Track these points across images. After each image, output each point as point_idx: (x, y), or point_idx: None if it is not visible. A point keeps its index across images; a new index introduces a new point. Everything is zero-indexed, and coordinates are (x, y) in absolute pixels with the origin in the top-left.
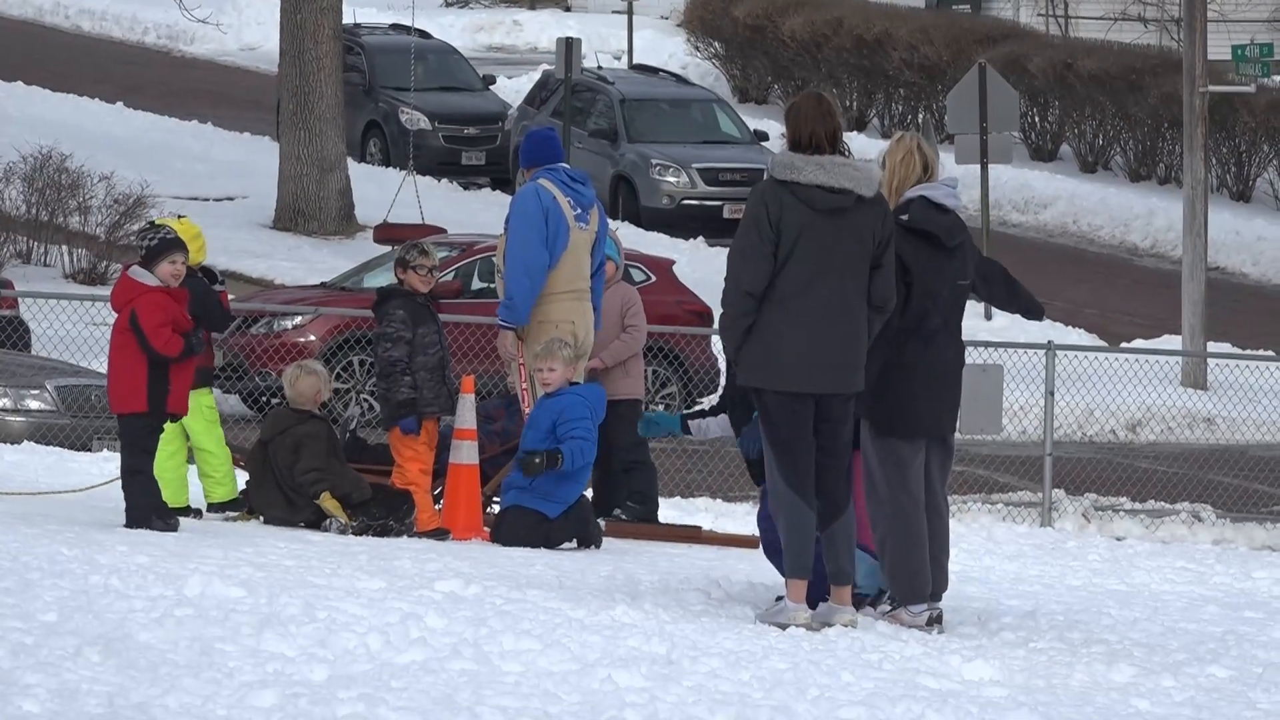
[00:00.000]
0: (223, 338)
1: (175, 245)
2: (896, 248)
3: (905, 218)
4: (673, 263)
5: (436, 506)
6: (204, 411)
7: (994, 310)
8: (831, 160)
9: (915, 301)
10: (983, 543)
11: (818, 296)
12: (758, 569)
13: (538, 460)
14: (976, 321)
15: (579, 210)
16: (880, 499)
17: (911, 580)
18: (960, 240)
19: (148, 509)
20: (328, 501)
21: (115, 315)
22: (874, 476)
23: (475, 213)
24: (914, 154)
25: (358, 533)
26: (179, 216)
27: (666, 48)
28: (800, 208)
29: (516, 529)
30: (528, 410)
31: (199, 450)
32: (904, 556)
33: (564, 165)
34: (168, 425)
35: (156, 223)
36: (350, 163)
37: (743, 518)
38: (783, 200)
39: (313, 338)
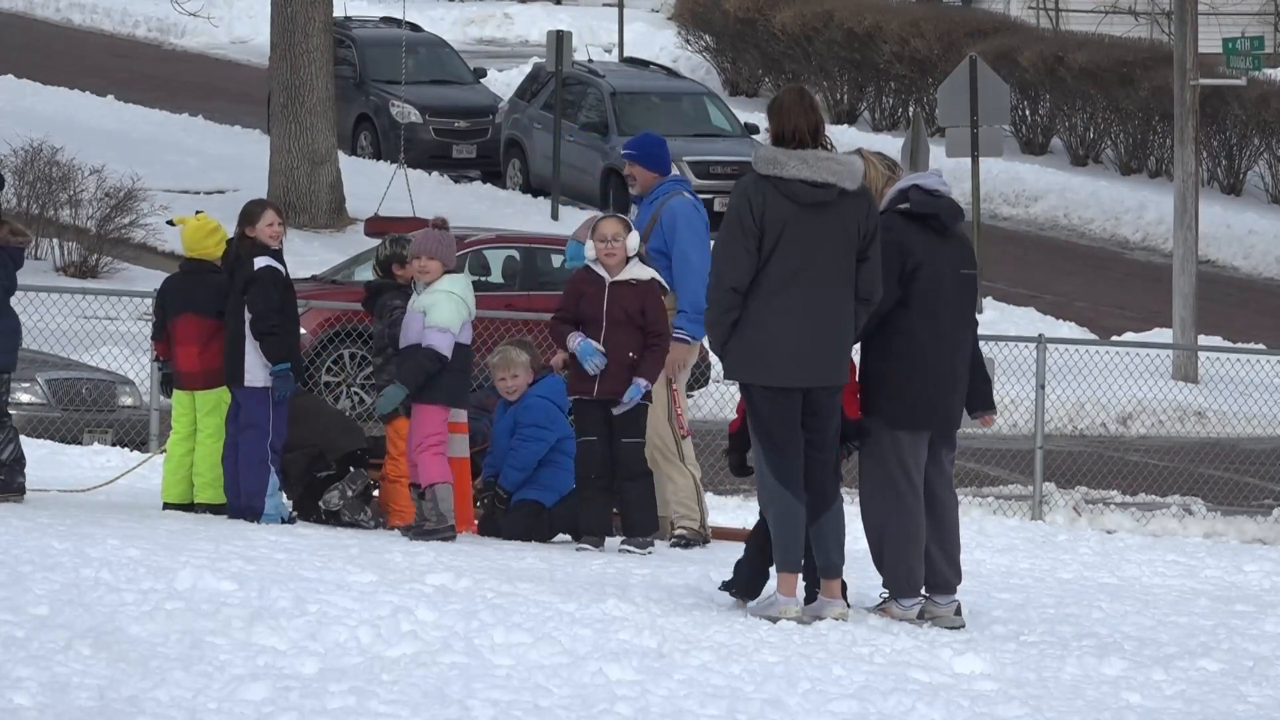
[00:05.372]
0: None
1: None
2: (900, 237)
3: (907, 205)
4: None
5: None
6: (222, 409)
7: (983, 303)
8: (814, 154)
9: (921, 288)
10: (973, 536)
11: (803, 290)
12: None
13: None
14: None
15: None
16: (881, 491)
17: (908, 575)
18: (958, 225)
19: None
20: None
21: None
22: (876, 468)
23: (466, 205)
24: (876, 164)
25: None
26: (197, 213)
27: (657, 41)
28: (784, 202)
29: (516, 521)
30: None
31: (199, 445)
32: (900, 550)
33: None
34: (184, 417)
35: None
36: (341, 156)
37: (733, 511)
38: (766, 195)
39: (303, 331)
